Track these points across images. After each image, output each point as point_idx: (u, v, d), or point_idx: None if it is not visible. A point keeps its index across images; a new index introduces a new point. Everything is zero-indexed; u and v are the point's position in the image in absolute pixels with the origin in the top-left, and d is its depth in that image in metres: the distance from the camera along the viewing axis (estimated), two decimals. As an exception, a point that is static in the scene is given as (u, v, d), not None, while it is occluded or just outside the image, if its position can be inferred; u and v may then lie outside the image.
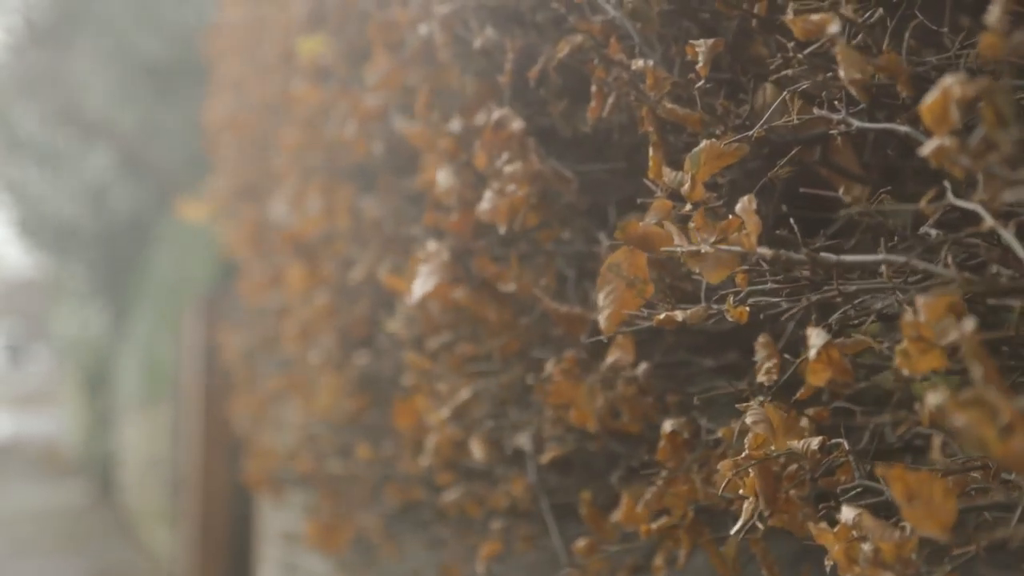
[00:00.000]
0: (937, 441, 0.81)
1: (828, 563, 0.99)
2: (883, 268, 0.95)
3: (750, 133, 1.09)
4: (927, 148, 0.78)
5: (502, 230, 1.40)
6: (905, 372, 0.79)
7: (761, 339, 1.10)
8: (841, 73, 0.97)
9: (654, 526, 1.25)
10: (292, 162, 2.79)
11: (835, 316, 1.03)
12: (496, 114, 1.39)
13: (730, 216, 0.99)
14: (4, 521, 9.38)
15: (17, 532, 8.84)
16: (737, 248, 0.96)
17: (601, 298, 1.12)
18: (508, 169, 1.37)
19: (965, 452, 0.94)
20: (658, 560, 1.31)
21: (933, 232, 0.97)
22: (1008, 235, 0.80)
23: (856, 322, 1.02)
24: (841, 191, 1.13)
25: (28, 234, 11.10)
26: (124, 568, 7.52)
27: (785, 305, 1.03)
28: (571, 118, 1.49)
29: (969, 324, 0.69)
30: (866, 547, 0.89)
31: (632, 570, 1.51)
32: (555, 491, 1.71)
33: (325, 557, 3.29)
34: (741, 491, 1.06)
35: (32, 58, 9.81)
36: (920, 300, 0.76)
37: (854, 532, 0.91)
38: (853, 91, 0.97)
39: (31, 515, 9.75)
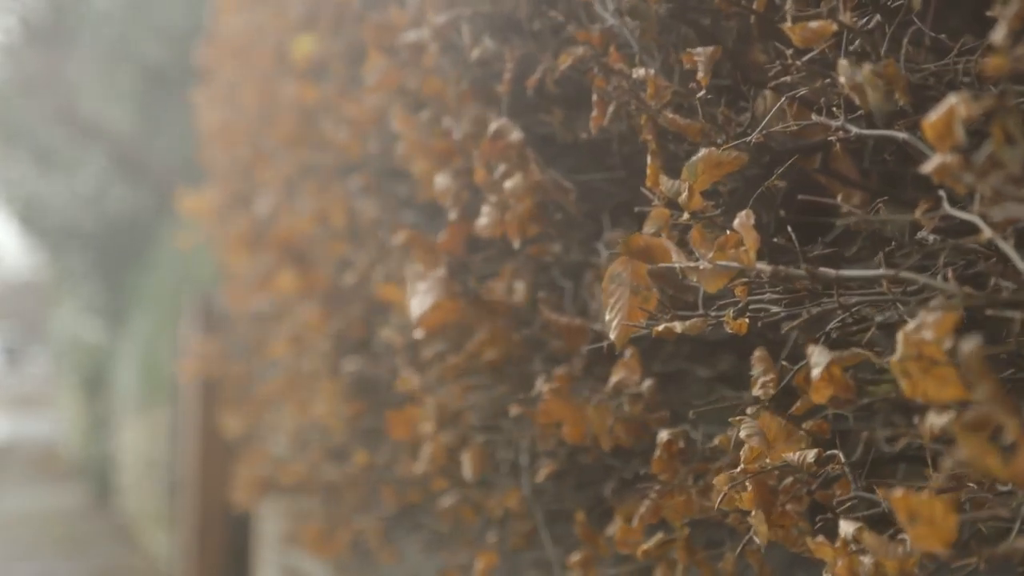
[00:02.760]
0: (946, 464, 0.81)
1: None
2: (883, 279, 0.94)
3: (748, 139, 1.08)
4: (930, 165, 0.78)
5: (516, 245, 1.40)
6: (908, 395, 0.79)
7: (757, 353, 1.09)
8: (841, 79, 0.96)
9: (650, 545, 1.24)
10: (285, 164, 2.79)
11: (832, 325, 1.02)
12: (495, 124, 1.38)
13: (728, 231, 0.98)
14: (2, 524, 9.36)
15: (15, 535, 8.83)
16: (735, 264, 0.96)
17: (607, 308, 1.11)
18: (509, 184, 1.37)
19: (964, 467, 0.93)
20: (657, 575, 1.30)
21: (931, 238, 0.97)
22: (1006, 246, 0.80)
23: (856, 331, 1.01)
24: (840, 198, 1.12)
25: (27, 236, 11.10)
26: (122, 571, 7.51)
27: (784, 316, 1.02)
28: (570, 127, 1.48)
29: (973, 341, 0.68)
30: (867, 560, 0.89)
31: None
32: (549, 500, 1.71)
33: (323, 560, 3.29)
34: (738, 505, 1.06)
35: (29, 59, 9.80)
36: (928, 317, 0.75)
37: (853, 546, 0.90)
38: (855, 97, 0.96)
39: (29, 518, 9.73)
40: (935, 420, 0.71)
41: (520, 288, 1.52)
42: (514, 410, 1.48)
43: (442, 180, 1.57)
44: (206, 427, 5.02)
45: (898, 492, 0.75)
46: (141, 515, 8.34)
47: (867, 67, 0.92)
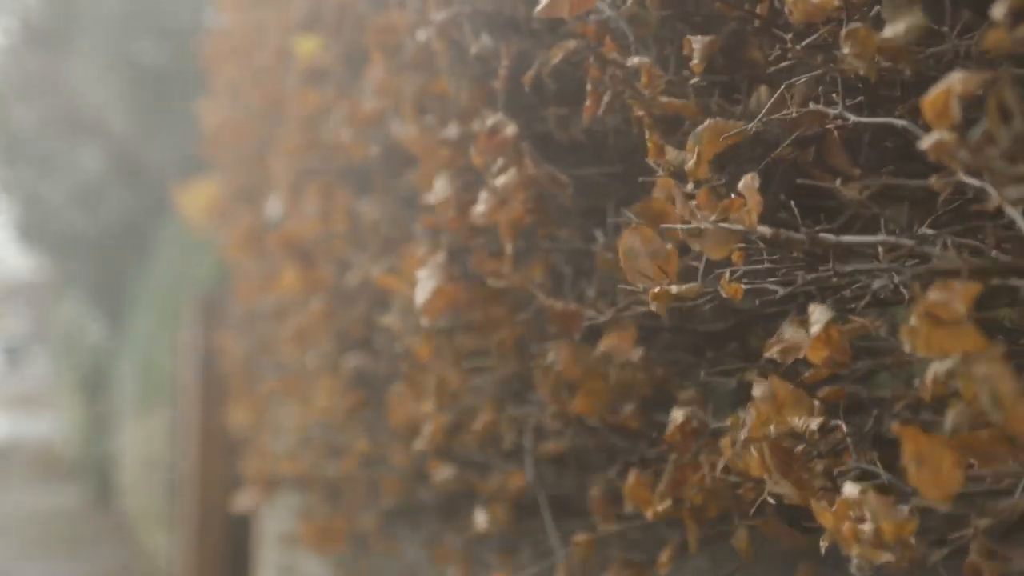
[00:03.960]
0: (953, 408, 0.81)
1: (823, 543, 0.99)
2: (880, 251, 0.95)
3: (749, 126, 1.09)
4: (927, 142, 0.78)
5: (508, 248, 1.41)
6: (916, 351, 0.79)
7: (791, 315, 1.09)
8: (846, 49, 0.97)
9: (660, 508, 1.24)
10: (289, 165, 2.79)
11: (832, 299, 1.03)
12: (490, 120, 1.39)
13: (732, 195, 0.99)
14: (1, 524, 9.36)
15: (14, 535, 8.83)
16: (738, 226, 0.97)
17: (634, 281, 1.11)
18: (502, 180, 1.38)
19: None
20: (664, 556, 1.31)
21: (931, 232, 0.97)
22: (1015, 213, 0.79)
23: (853, 305, 1.02)
24: (838, 182, 1.13)
25: (26, 236, 11.10)
26: (122, 571, 7.51)
27: (781, 286, 1.03)
28: (566, 123, 1.49)
29: None
30: (866, 527, 0.90)
31: (625, 564, 1.51)
32: (552, 486, 1.71)
33: (323, 559, 3.29)
34: (747, 472, 1.06)
35: (28, 60, 9.81)
36: (941, 280, 0.75)
37: (853, 512, 0.91)
38: (860, 66, 0.96)
39: (29, 518, 9.73)
40: (939, 368, 0.72)
41: (519, 273, 1.53)
42: (539, 363, 1.48)
43: (441, 187, 1.58)
44: (206, 427, 5.02)
45: (910, 430, 0.76)
46: (141, 515, 8.34)
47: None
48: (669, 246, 1.09)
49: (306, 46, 2.50)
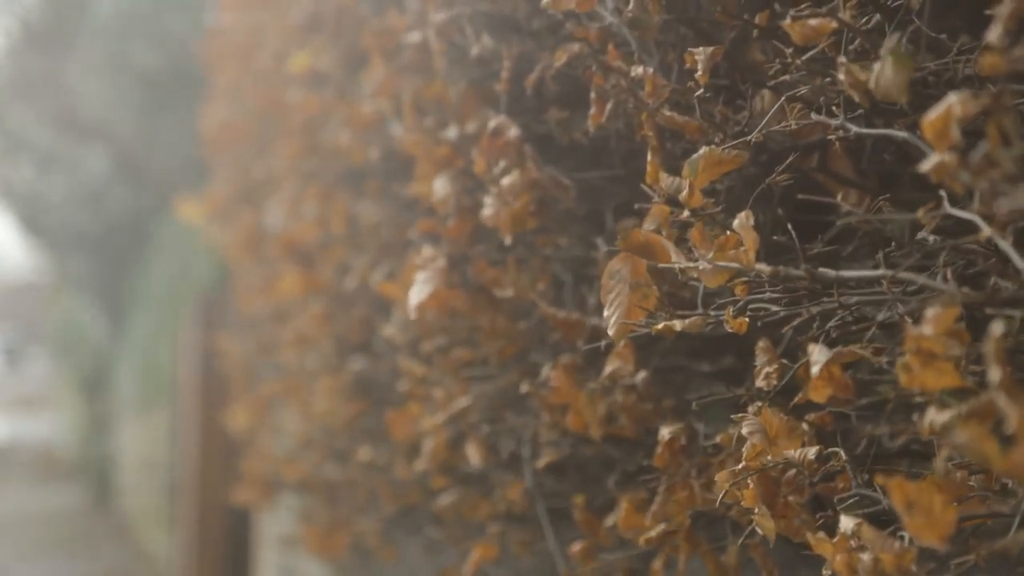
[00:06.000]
0: (942, 453, 0.81)
1: (826, 572, 0.99)
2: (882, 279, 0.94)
3: (749, 138, 1.09)
4: (927, 164, 0.78)
5: (507, 240, 1.40)
6: (907, 386, 0.79)
7: (761, 344, 1.09)
8: (841, 76, 0.97)
9: (653, 534, 1.24)
10: (289, 168, 2.79)
11: (831, 323, 1.02)
12: (493, 122, 1.39)
13: (727, 232, 0.98)
14: (1, 525, 9.36)
15: (14, 536, 8.83)
16: (735, 265, 0.96)
17: (606, 304, 1.11)
18: (506, 181, 1.37)
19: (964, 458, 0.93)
20: (656, 564, 1.31)
21: (931, 239, 0.97)
22: (1005, 244, 0.80)
23: (855, 330, 1.02)
24: (839, 197, 1.13)
25: (27, 237, 11.10)
26: (122, 571, 7.51)
27: (784, 314, 1.02)
28: (568, 125, 1.48)
29: (999, 326, 0.69)
30: (865, 557, 0.89)
31: (628, 574, 1.50)
32: (551, 495, 1.71)
33: (323, 561, 3.29)
34: (741, 502, 1.06)
35: (29, 61, 9.80)
36: (928, 312, 0.75)
37: (853, 542, 0.90)
38: (854, 95, 0.97)
39: (28, 518, 9.72)
40: (935, 417, 0.72)
41: (521, 281, 1.52)
42: (524, 388, 1.48)
43: (441, 186, 1.57)
44: (206, 427, 5.02)
45: (896, 480, 0.76)
46: (141, 516, 8.33)
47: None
48: (652, 287, 1.09)
49: (299, 61, 2.51)
